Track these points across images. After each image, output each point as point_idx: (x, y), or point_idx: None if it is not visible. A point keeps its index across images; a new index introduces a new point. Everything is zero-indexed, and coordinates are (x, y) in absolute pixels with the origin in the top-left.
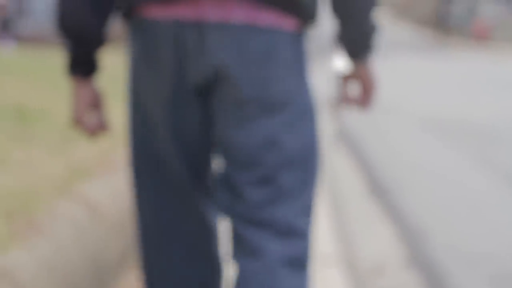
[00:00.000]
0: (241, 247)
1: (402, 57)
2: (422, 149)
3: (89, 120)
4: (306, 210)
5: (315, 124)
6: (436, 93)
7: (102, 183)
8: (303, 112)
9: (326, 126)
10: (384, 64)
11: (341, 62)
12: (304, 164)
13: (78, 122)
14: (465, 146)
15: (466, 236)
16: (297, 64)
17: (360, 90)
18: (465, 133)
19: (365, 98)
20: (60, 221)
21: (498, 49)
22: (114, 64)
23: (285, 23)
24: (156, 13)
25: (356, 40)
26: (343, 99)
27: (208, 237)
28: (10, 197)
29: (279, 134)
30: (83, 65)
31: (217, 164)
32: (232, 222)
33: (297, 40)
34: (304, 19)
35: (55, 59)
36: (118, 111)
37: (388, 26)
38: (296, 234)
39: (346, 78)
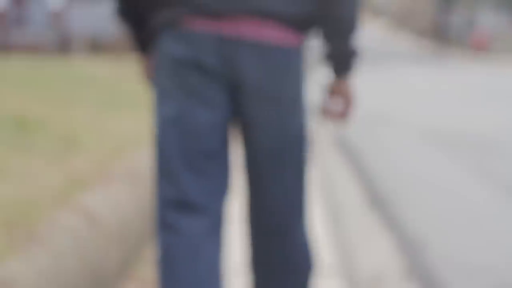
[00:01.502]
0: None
1: (401, 68)
2: (420, 160)
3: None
4: (304, 173)
5: (305, 122)
6: (435, 104)
7: (101, 193)
8: (303, 106)
9: (324, 136)
10: (383, 74)
11: (325, 78)
12: (302, 142)
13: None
14: (464, 157)
15: (465, 247)
16: (300, 71)
17: (341, 104)
18: (463, 144)
19: (344, 112)
20: (59, 231)
21: (497, 60)
22: (112, 75)
23: (294, 40)
24: (200, 26)
25: (339, 59)
26: (325, 112)
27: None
28: (9, 207)
29: (288, 120)
30: (143, 42)
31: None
32: None
33: (300, 53)
34: (302, 35)
35: (53, 68)
36: (115, 122)
37: (387, 37)
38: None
39: (329, 92)
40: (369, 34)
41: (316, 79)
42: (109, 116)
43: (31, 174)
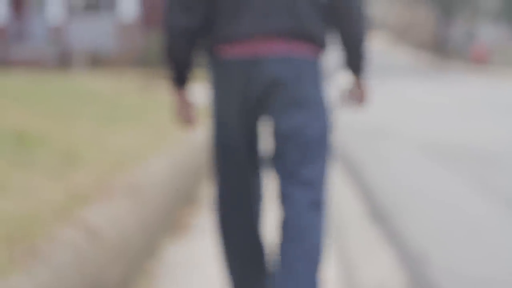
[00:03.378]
0: (281, 194)
1: (400, 81)
2: (421, 173)
3: (186, 115)
4: (324, 170)
5: (329, 118)
6: (435, 117)
7: (102, 208)
8: (322, 109)
9: None
10: (383, 88)
11: (344, 79)
12: (323, 141)
13: (179, 117)
14: (464, 171)
15: (465, 260)
16: (318, 79)
17: (358, 97)
18: (463, 157)
19: (361, 102)
20: (60, 246)
21: (497, 73)
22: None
23: (310, 54)
24: (227, 52)
25: (355, 63)
26: (346, 103)
27: (258, 188)
28: (10, 222)
29: (310, 120)
30: (181, 81)
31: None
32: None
33: (317, 64)
34: (320, 50)
35: (54, 83)
36: (116, 136)
37: (387, 50)
38: (316, 185)
39: (348, 90)
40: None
41: (335, 82)
42: (109, 131)
43: (32, 188)
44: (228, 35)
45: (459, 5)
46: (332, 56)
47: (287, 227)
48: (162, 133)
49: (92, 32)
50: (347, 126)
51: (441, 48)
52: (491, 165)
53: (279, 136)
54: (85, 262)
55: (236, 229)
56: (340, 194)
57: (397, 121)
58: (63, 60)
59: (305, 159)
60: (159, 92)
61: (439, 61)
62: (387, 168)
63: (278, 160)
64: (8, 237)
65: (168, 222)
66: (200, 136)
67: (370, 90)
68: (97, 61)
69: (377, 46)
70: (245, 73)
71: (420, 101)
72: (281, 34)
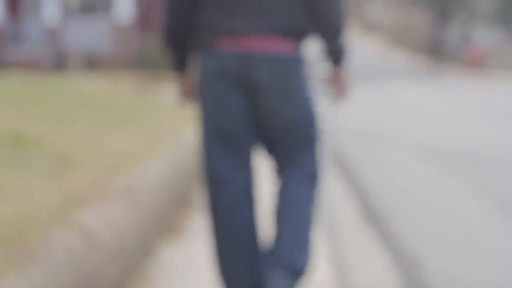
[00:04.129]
0: (280, 174)
1: (396, 84)
2: (416, 176)
3: (186, 94)
4: (315, 153)
5: (316, 107)
6: (431, 120)
7: (97, 211)
8: (309, 100)
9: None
10: (378, 91)
11: (324, 69)
12: (312, 128)
13: (180, 96)
14: (460, 174)
15: (460, 263)
16: (303, 74)
17: (338, 87)
18: (459, 160)
19: (341, 93)
20: (55, 249)
21: (493, 76)
22: (108, 92)
23: (296, 50)
24: (223, 45)
25: (334, 55)
26: (327, 93)
27: (251, 167)
28: (5, 224)
29: (297, 107)
30: (181, 65)
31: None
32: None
33: (302, 60)
34: (304, 45)
35: (49, 85)
36: (112, 139)
37: (382, 53)
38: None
39: (328, 80)
40: (364, 50)
41: (317, 74)
42: (105, 133)
43: (28, 191)
44: (223, 30)
45: (455, 8)
46: (314, 49)
47: (285, 196)
48: (158, 135)
49: (88, 34)
50: (343, 128)
51: (437, 51)
52: (486, 169)
53: (273, 125)
54: (80, 264)
55: (228, 211)
56: (335, 196)
57: (393, 124)
58: (59, 62)
59: (299, 144)
60: (155, 94)
61: (435, 64)
62: (382, 171)
63: (273, 147)
64: (3, 239)
65: (164, 224)
66: (195, 139)
67: (350, 80)
68: (93, 63)
69: (373, 49)
70: (238, 66)
71: (415, 104)
72: (272, 31)
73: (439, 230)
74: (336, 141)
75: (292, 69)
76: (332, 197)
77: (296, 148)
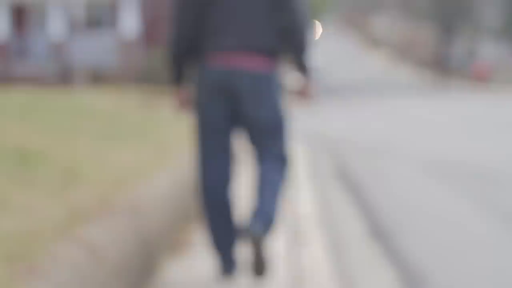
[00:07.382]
0: (258, 160)
1: (402, 99)
2: (422, 191)
3: (182, 104)
4: (284, 144)
5: (284, 108)
6: (436, 135)
7: (102, 226)
8: (279, 105)
9: (325, 168)
10: (384, 105)
11: (292, 79)
12: (282, 125)
13: (176, 106)
14: (465, 189)
15: (466, 278)
16: (275, 85)
17: (304, 94)
18: (465, 175)
19: (306, 99)
20: (60, 264)
21: (498, 91)
22: (113, 107)
23: (270, 66)
24: (212, 62)
25: (301, 68)
26: (295, 97)
27: (232, 153)
28: (10, 239)
29: (271, 113)
30: (181, 78)
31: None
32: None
33: (275, 74)
34: (276, 60)
35: (54, 99)
36: (116, 154)
37: (388, 68)
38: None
39: (296, 91)
40: (370, 64)
41: (287, 83)
42: (110, 148)
43: (32, 206)
44: (212, 47)
45: (460, 23)
46: (284, 64)
47: (262, 173)
48: (163, 150)
49: (93, 49)
50: (348, 143)
51: (443, 66)
52: (492, 183)
53: (251, 122)
54: (85, 280)
55: (212, 185)
56: (340, 212)
57: (398, 139)
58: (64, 77)
59: (271, 138)
60: (160, 109)
61: (441, 79)
62: (388, 186)
63: (252, 139)
64: (8, 254)
65: (168, 239)
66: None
67: (314, 89)
68: (98, 77)
69: (379, 64)
70: (223, 78)
71: (421, 119)
72: (248, 50)
73: (444, 244)
74: (342, 156)
75: (264, 82)
76: (338, 212)
77: (269, 138)
